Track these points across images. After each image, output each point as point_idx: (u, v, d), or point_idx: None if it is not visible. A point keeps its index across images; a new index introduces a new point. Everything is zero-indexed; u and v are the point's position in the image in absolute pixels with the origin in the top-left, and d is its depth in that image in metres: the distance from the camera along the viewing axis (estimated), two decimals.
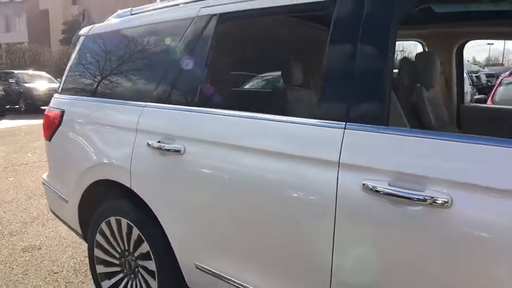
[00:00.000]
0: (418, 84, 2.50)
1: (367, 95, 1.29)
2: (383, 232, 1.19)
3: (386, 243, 1.18)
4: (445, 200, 1.06)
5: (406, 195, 1.12)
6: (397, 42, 1.46)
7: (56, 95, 2.58)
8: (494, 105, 4.57)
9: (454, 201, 1.06)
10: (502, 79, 6.05)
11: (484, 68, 22.61)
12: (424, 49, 2.96)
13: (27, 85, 14.55)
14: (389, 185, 1.16)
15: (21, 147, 7.53)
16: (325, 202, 1.28)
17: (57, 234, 3.35)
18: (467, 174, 1.06)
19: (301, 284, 1.40)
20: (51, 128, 2.44)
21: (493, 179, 1.03)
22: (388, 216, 1.16)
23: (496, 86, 6.03)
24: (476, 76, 15.73)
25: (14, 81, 14.96)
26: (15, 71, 15.94)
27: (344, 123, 1.29)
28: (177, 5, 1.98)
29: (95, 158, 2.11)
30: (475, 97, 8.67)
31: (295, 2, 1.51)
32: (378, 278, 1.21)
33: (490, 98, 5.83)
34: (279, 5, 1.56)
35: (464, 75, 3.21)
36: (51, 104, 2.55)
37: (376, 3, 1.31)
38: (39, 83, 15.02)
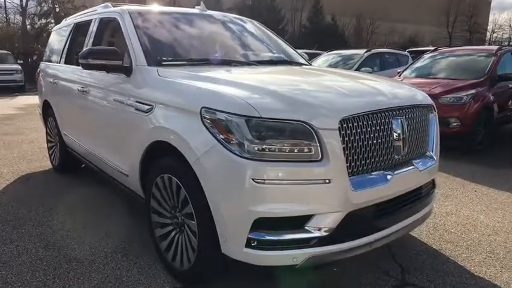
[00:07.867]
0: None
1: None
2: (88, 104, 3.32)
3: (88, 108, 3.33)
4: (86, 90, 3.17)
5: (82, 90, 3.24)
6: None
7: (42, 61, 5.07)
8: None
9: (89, 90, 3.15)
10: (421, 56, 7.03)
11: None
12: None
13: None
14: (83, 87, 3.27)
15: None
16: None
17: None
18: (85, 80, 3.15)
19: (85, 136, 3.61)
20: (37, 77, 4.93)
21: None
22: (84, 100, 3.30)
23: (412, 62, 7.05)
24: None
25: None
26: None
27: None
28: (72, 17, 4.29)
29: (43, 89, 4.54)
30: None
31: (83, 20, 3.69)
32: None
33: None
34: (83, 20, 3.75)
35: None
36: (40, 66, 5.04)
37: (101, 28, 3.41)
38: None
